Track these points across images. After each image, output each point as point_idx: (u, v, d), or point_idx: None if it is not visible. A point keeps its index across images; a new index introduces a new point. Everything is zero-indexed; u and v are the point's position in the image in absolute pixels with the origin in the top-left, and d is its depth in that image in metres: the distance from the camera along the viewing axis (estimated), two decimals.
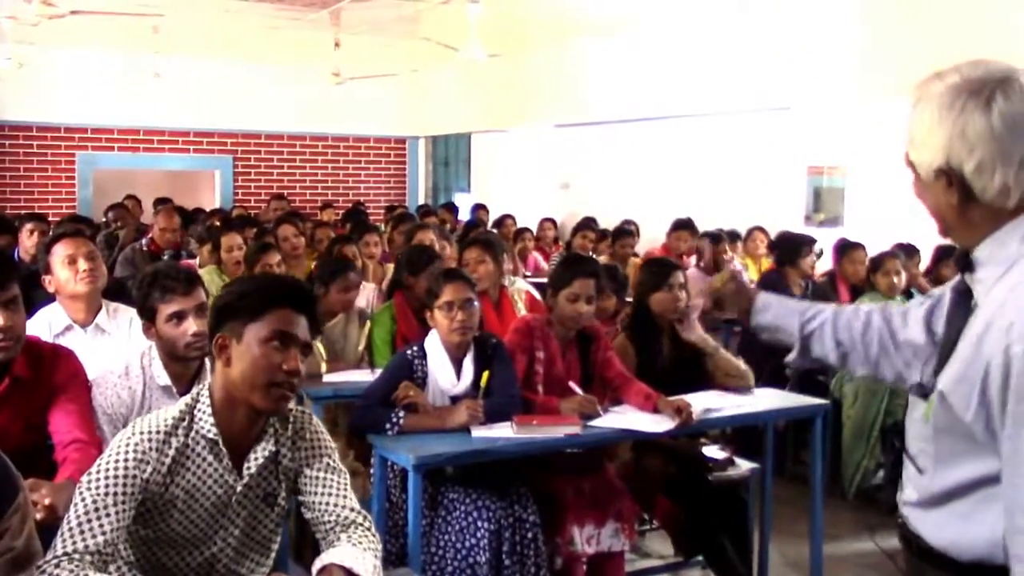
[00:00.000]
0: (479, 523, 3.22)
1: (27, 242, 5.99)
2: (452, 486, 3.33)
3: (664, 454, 3.85)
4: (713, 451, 4.00)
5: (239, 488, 2.10)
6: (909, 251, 5.88)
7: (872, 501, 5.18)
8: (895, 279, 5.28)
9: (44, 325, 3.29)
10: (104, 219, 9.07)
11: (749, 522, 3.83)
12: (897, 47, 6.72)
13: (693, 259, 7.14)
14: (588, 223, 8.84)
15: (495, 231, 8.55)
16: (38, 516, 2.02)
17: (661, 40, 8.88)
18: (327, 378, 4.11)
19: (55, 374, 2.68)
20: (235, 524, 2.13)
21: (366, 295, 5.11)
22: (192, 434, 2.06)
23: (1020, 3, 6.01)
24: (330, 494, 2.15)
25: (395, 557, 3.34)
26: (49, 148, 11.17)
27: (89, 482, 1.97)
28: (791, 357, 2.05)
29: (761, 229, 7.54)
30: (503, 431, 3.21)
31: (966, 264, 1.64)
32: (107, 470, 1.97)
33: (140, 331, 2.86)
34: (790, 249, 6.07)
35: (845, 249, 5.97)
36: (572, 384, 3.52)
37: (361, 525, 2.14)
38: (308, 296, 2.15)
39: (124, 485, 1.96)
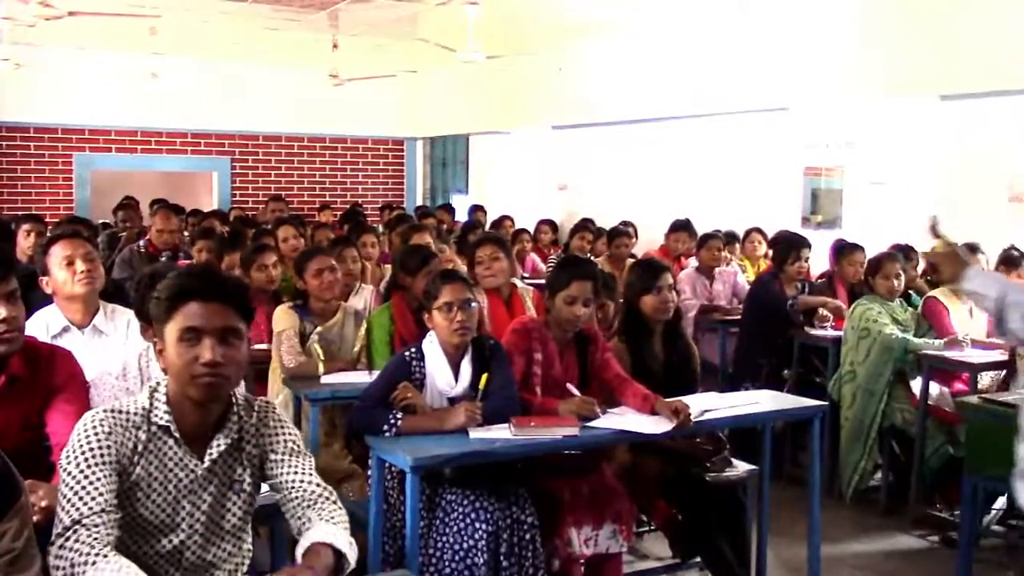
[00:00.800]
0: (477, 524, 3.22)
1: (24, 243, 5.94)
2: (450, 487, 3.32)
3: (662, 456, 3.85)
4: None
5: (200, 472, 2.15)
6: (907, 253, 5.86)
7: (870, 503, 5.17)
8: (895, 282, 5.25)
9: (42, 326, 3.29)
10: (113, 219, 9.11)
11: (747, 523, 3.83)
12: (895, 49, 6.74)
13: (692, 260, 7.14)
14: (586, 224, 8.85)
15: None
16: (35, 518, 2.02)
17: (659, 42, 8.89)
18: (325, 379, 4.11)
19: (53, 375, 2.68)
20: (199, 510, 2.17)
21: (364, 296, 5.15)
22: (151, 420, 2.13)
23: (1016, 4, 6.03)
24: (295, 472, 2.23)
25: (393, 559, 3.34)
26: (46, 149, 11.17)
27: (69, 458, 2.04)
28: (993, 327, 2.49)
29: (759, 230, 7.56)
30: (501, 433, 3.20)
31: None
32: (82, 444, 2.05)
33: (138, 332, 2.86)
34: (786, 250, 6.06)
35: (844, 250, 5.93)
36: (570, 386, 3.52)
37: (328, 499, 2.23)
38: (216, 282, 2.15)
39: (102, 453, 2.05)
